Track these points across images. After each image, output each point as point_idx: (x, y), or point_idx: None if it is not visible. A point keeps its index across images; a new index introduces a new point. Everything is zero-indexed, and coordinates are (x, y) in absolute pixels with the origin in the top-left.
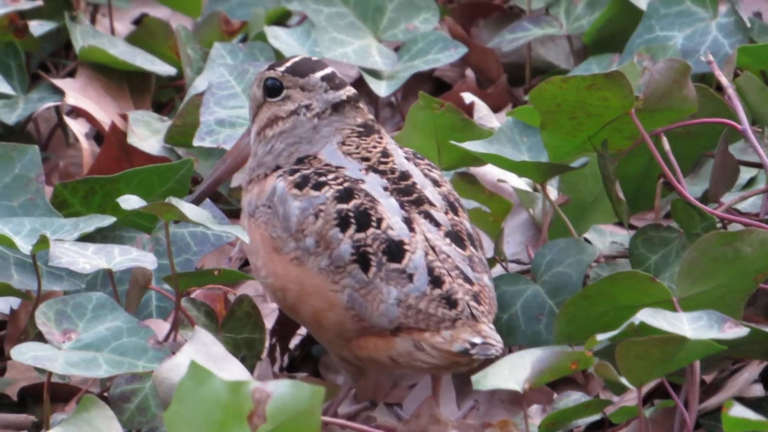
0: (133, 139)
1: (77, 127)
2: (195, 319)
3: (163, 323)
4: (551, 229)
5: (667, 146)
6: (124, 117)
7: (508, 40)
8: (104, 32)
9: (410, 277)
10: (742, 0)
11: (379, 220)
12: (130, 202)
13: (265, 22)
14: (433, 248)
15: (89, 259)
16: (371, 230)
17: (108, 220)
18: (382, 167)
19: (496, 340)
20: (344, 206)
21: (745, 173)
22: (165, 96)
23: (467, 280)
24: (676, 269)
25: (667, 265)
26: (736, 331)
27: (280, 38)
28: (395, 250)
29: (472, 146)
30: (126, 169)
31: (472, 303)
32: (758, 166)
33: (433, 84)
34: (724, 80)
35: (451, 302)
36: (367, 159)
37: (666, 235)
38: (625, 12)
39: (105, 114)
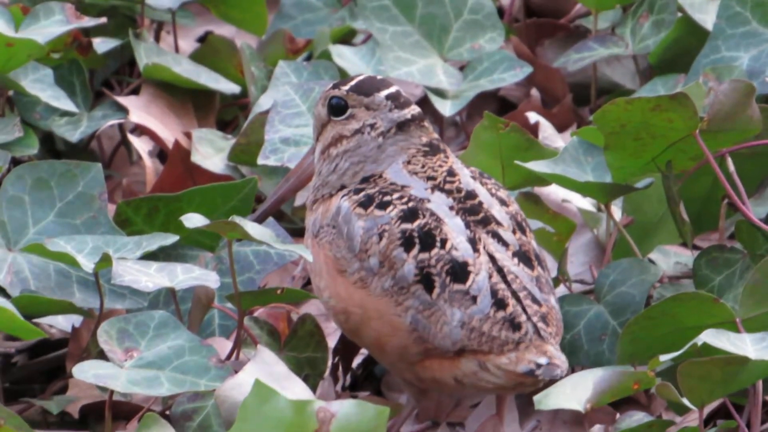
0: (196, 158)
1: (141, 145)
2: (257, 338)
3: (225, 342)
4: (615, 249)
5: (731, 167)
6: (188, 135)
7: (573, 59)
8: (168, 50)
9: (474, 299)
10: None
11: (444, 241)
12: (194, 220)
13: (330, 40)
14: (501, 268)
15: (152, 277)
16: (435, 250)
17: (171, 239)
18: (447, 186)
19: (561, 361)
20: (409, 226)
21: None
22: (229, 114)
23: (535, 300)
24: (739, 290)
25: (731, 286)
26: None
27: (345, 57)
28: (459, 271)
29: (537, 166)
30: (189, 188)
31: (540, 324)
32: None
33: (498, 103)
34: None
35: (514, 325)
36: (432, 178)
37: (730, 256)
38: (692, 32)
39: (168, 132)
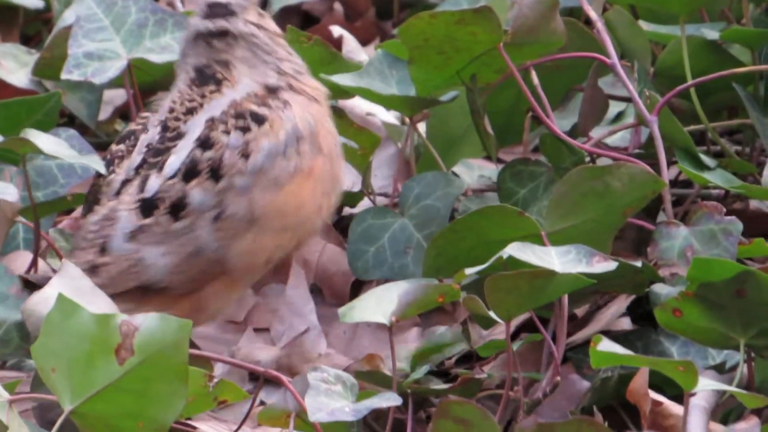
0: (0, 72)
1: None
2: (62, 251)
3: (29, 255)
4: (420, 163)
5: (535, 80)
6: None
7: None
8: None
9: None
10: None
11: (113, 171)
12: None
13: None
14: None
15: None
16: (105, 178)
17: None
18: (172, 123)
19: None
20: (109, 150)
21: (614, 107)
22: (32, 29)
23: (103, 249)
24: (544, 203)
25: (536, 199)
26: (604, 265)
27: None
28: (91, 204)
29: (341, 79)
30: None
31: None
32: (627, 100)
33: (301, 17)
34: (593, 14)
35: None
36: (172, 110)
37: (534, 169)
38: None
39: None
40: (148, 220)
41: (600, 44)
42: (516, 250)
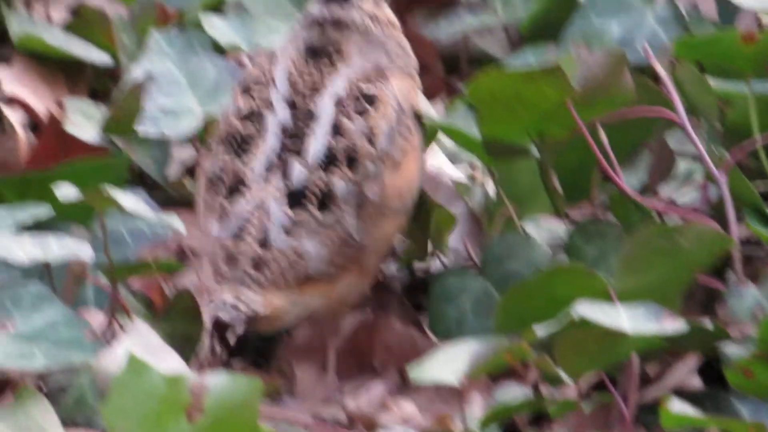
0: (70, 127)
1: (14, 117)
2: (133, 310)
3: (99, 314)
4: (489, 221)
5: (603, 137)
6: (60, 104)
7: (443, 28)
8: (41, 20)
9: (227, 216)
10: None
11: (248, 152)
12: (66, 192)
13: (200, 9)
14: (261, 204)
15: (26, 250)
16: (233, 158)
17: (43, 208)
18: (300, 102)
19: (244, 308)
20: (238, 127)
21: (683, 164)
22: (101, 85)
23: (264, 243)
24: (612, 262)
25: (605, 258)
26: (674, 324)
27: (216, 26)
28: (234, 186)
29: (431, 113)
30: (64, 160)
31: (249, 268)
32: (695, 157)
33: None
34: (661, 70)
35: (231, 260)
36: (295, 84)
37: (603, 228)
38: (562, 1)
39: (41, 103)
40: (302, 214)
41: (668, 100)
42: (585, 309)
